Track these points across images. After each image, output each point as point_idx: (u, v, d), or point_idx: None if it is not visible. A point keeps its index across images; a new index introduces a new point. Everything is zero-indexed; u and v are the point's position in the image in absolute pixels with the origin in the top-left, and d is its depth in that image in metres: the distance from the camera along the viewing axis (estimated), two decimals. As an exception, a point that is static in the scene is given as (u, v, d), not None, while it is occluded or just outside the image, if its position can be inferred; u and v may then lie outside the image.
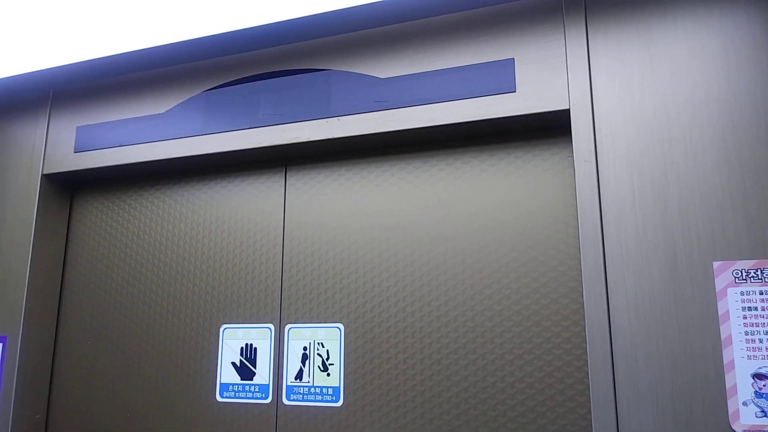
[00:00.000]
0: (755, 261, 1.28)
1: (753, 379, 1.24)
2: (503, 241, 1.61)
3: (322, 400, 1.69)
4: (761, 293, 1.27)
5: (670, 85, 1.43)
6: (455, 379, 1.59)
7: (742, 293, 1.28)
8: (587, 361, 1.43)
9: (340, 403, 1.68)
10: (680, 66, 1.43)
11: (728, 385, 1.26)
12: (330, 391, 1.69)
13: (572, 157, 1.59)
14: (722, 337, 1.28)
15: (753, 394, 1.24)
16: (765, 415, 1.22)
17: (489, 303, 1.59)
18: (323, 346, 1.72)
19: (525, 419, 1.51)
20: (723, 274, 1.30)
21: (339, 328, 1.72)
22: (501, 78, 1.58)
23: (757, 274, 1.27)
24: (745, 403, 1.24)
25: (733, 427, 1.24)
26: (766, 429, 1.22)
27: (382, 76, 1.71)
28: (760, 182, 1.32)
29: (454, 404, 1.58)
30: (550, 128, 1.62)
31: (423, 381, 1.61)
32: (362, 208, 1.78)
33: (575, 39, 1.53)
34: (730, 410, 1.25)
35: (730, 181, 1.34)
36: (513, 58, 1.59)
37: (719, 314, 1.29)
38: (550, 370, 1.51)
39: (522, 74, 1.57)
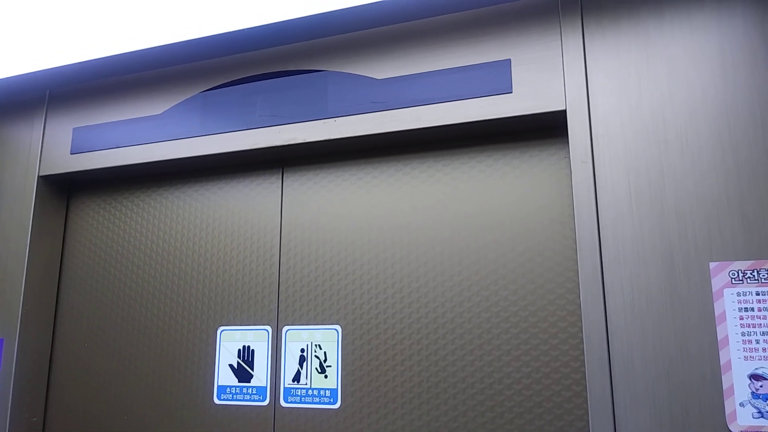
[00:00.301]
0: (752, 262, 1.28)
1: (750, 380, 1.24)
2: (500, 242, 1.61)
3: (319, 402, 1.69)
4: (758, 294, 1.27)
5: (667, 86, 1.43)
6: (452, 380, 1.59)
7: (738, 294, 1.28)
8: (584, 361, 1.43)
9: (337, 405, 1.68)
10: (677, 67, 1.43)
11: (725, 386, 1.26)
12: (327, 393, 1.69)
13: (569, 158, 1.59)
14: (719, 338, 1.28)
15: (750, 395, 1.24)
16: (762, 416, 1.23)
17: (486, 304, 1.59)
18: (321, 348, 1.72)
19: (522, 420, 1.51)
20: (719, 275, 1.30)
21: (336, 330, 1.72)
22: (498, 79, 1.58)
23: (754, 275, 1.28)
24: (742, 404, 1.24)
25: (730, 427, 1.24)
26: (763, 430, 1.22)
27: (379, 77, 1.71)
28: (756, 183, 1.32)
29: (452, 405, 1.57)
30: (546, 129, 1.62)
31: (421, 382, 1.61)
32: (359, 209, 1.78)
33: (572, 40, 1.53)
34: (727, 411, 1.25)
35: (727, 182, 1.34)
36: (509, 59, 1.58)
37: (716, 315, 1.29)
38: (548, 371, 1.51)
39: (519, 75, 1.57)
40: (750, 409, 1.23)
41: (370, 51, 1.74)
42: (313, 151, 1.83)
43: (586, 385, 1.45)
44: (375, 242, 1.74)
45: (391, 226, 1.73)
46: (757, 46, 1.38)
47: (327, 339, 1.72)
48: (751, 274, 1.28)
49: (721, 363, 1.27)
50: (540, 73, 1.55)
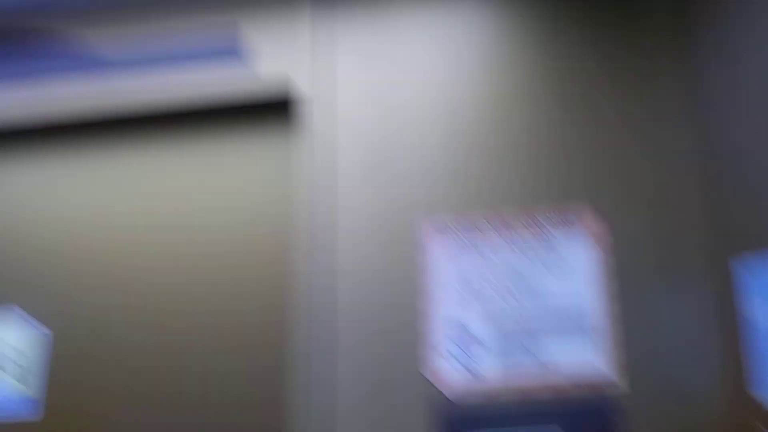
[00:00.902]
0: (456, 215, 1.31)
1: (450, 327, 1.24)
2: (220, 230, 1.51)
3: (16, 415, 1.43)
4: (462, 245, 1.29)
5: (404, 71, 1.46)
6: (165, 386, 1.42)
7: (443, 246, 1.29)
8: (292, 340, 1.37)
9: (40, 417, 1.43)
10: (415, 53, 1.47)
11: (427, 332, 1.24)
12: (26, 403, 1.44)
13: (303, 139, 1.55)
14: (424, 288, 1.27)
15: (449, 342, 1.23)
16: (455, 359, 1.22)
17: (197, 297, 1.47)
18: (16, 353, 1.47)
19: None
20: (428, 228, 1.31)
21: (36, 334, 1.48)
22: (236, 56, 1.51)
23: (458, 228, 1.30)
24: (441, 351, 1.23)
25: (425, 371, 1.22)
26: (454, 372, 1.22)
27: (101, 50, 1.57)
28: (470, 158, 1.37)
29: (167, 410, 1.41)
30: (283, 110, 1.57)
31: (132, 387, 1.43)
32: (64, 195, 1.58)
33: (319, 22, 1.52)
34: (427, 355, 1.23)
35: (445, 154, 1.38)
36: (249, 38, 1.53)
37: (423, 267, 1.29)
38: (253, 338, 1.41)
39: (258, 54, 1.51)
40: (449, 356, 1.23)
41: (91, 24, 1.61)
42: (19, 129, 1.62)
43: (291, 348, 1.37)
44: (77, 233, 1.54)
45: (100, 215, 1.55)
46: (485, 41, 1.45)
47: (23, 344, 1.47)
48: (456, 227, 1.30)
49: (425, 312, 1.26)
50: (281, 54, 1.51)
